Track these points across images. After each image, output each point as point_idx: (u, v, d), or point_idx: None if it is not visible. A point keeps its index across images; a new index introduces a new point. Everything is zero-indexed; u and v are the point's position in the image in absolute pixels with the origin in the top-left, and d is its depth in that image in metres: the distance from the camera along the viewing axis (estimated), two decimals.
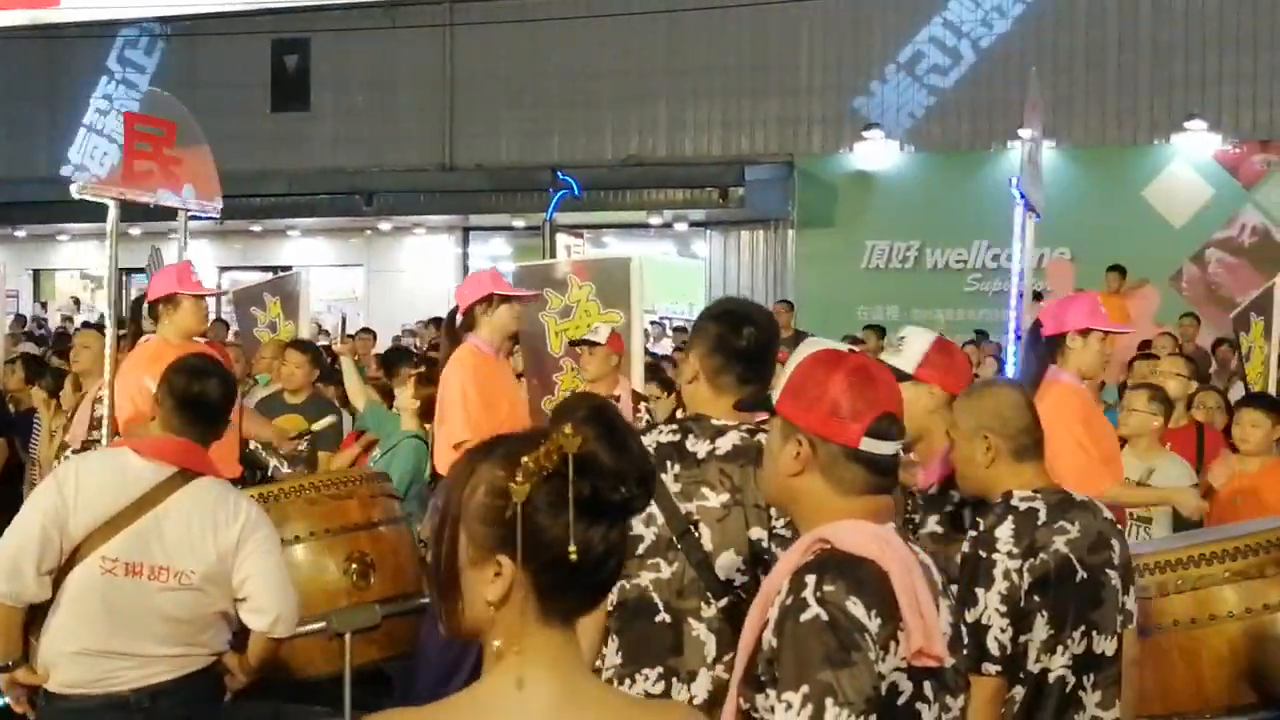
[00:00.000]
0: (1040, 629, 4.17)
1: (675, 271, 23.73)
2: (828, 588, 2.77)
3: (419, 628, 6.62)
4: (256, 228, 24.19)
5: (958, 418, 4.50)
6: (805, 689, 2.69)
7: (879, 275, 20.89)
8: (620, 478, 2.16)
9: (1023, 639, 4.14)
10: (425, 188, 22.61)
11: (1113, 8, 20.39)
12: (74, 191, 8.62)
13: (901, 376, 3.42)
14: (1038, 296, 18.38)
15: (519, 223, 22.96)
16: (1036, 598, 4.16)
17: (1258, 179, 19.86)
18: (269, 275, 20.44)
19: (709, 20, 21.52)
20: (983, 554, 4.20)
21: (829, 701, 2.67)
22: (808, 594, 2.77)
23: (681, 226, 22.97)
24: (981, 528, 4.29)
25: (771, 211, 21.59)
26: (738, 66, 21.81)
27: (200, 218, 9.88)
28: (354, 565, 6.03)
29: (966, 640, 3.81)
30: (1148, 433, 7.94)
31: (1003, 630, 4.10)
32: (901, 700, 2.81)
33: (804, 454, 3.00)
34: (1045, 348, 7.24)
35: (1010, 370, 7.04)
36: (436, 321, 19.19)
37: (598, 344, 9.49)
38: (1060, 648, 4.20)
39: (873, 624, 2.76)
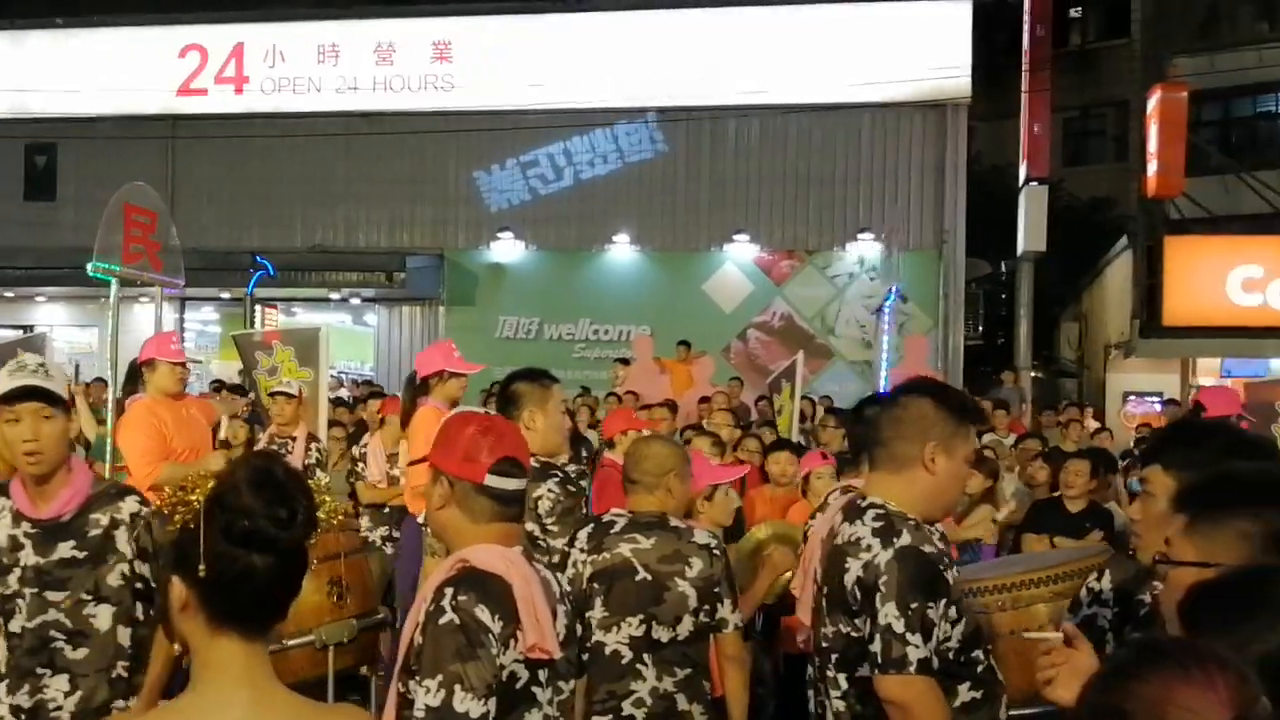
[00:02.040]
0: (598, 609, 4.33)
1: (351, 337, 23.60)
2: (461, 598, 2.83)
3: (384, 638, 6.43)
4: (10, 294, 23.19)
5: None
6: (440, 677, 2.77)
7: (509, 343, 21.16)
8: (256, 516, 2.11)
9: (586, 615, 4.29)
10: None
11: (680, 149, 21.31)
12: (89, 270, 8.29)
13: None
14: (625, 362, 19.60)
15: (225, 295, 22.57)
16: (596, 585, 4.34)
17: (785, 278, 20.97)
18: (20, 334, 20.20)
19: (379, 143, 21.73)
20: (568, 549, 4.44)
21: (457, 687, 2.76)
22: (445, 603, 2.83)
23: (356, 301, 22.98)
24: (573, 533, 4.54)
25: (426, 292, 21.84)
26: (401, 179, 21.99)
27: (170, 292, 9.41)
28: (334, 588, 5.79)
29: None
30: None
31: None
32: (519, 685, 2.88)
33: (445, 492, 3.05)
34: None
35: None
36: None
37: (291, 395, 9.50)
38: (615, 628, 4.32)
39: (495, 626, 2.82)
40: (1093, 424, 17.01)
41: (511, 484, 3.06)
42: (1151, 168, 20.43)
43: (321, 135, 21.97)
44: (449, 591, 2.85)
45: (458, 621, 2.80)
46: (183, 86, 22.80)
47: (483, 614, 2.81)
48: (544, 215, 21.84)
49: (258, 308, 21.06)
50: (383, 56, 22.20)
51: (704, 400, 14.87)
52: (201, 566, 2.07)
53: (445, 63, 21.98)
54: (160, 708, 2.17)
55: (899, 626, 3.27)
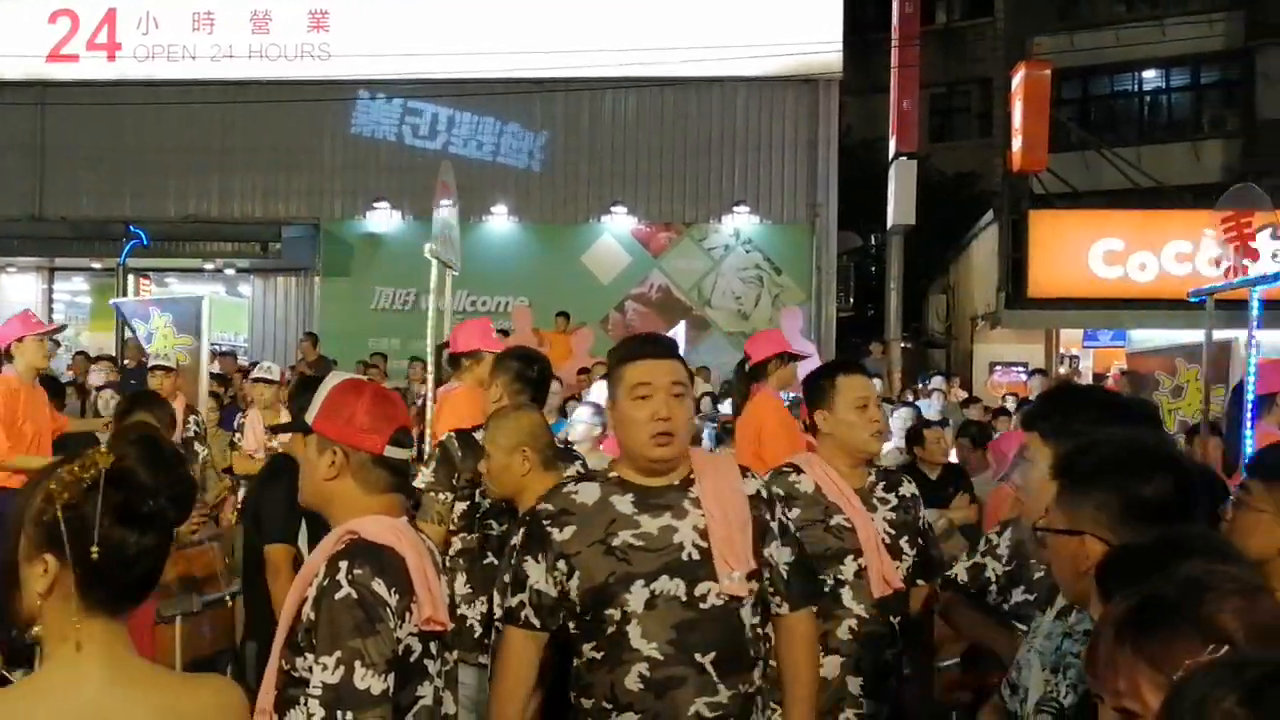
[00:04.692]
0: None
1: (224, 307, 22.06)
2: (357, 571, 2.73)
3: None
4: None
5: (496, 436, 4.42)
6: (338, 653, 2.67)
7: (384, 315, 21.02)
8: (153, 493, 2.07)
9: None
10: (16, 234, 21.47)
11: (560, 121, 21.27)
12: (426, 252, 7.98)
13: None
14: (504, 333, 19.39)
15: (96, 265, 22.03)
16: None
17: (662, 250, 20.99)
18: None
19: (254, 111, 21.25)
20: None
21: (357, 663, 2.67)
22: (341, 577, 2.73)
23: (230, 272, 22.44)
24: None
25: (302, 262, 21.47)
26: (276, 147, 21.52)
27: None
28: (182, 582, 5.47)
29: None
30: (591, 439, 7.83)
31: None
32: (413, 658, 2.81)
33: (339, 462, 2.94)
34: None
35: None
36: None
37: (169, 369, 9.46)
38: None
39: (392, 599, 2.74)
40: (961, 394, 17.32)
41: (405, 454, 3.02)
42: (1016, 143, 20.79)
43: (196, 104, 21.37)
44: (343, 565, 2.76)
45: (355, 596, 2.71)
46: (52, 52, 21.99)
47: (379, 587, 2.73)
48: (421, 185, 21.38)
49: (130, 278, 20.52)
50: (258, 25, 21.65)
51: (583, 371, 14.88)
52: (94, 548, 1.99)
53: (322, 31, 21.54)
54: (11, 687, 2.07)
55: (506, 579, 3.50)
